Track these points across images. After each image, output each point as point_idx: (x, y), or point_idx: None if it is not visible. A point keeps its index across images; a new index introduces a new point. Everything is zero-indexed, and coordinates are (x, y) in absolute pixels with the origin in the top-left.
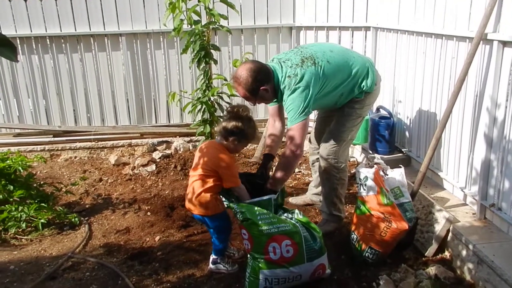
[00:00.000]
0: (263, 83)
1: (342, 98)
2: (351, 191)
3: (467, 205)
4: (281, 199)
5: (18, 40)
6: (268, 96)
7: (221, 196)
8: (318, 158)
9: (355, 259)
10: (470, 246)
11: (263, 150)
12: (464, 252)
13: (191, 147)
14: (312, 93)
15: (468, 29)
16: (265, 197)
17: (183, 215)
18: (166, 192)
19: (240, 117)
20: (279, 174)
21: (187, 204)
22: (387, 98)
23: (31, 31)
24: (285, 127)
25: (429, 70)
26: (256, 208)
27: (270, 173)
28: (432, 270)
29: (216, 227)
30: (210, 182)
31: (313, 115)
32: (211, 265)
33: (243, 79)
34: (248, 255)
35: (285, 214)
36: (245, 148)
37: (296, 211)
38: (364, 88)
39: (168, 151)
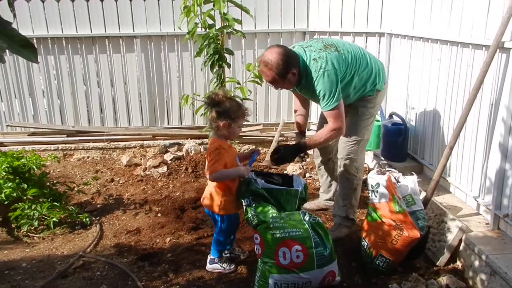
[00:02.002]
0: (292, 67)
1: (353, 92)
2: (361, 197)
3: (480, 214)
4: (305, 194)
5: (35, 41)
6: (294, 81)
7: (241, 200)
8: (323, 160)
9: (365, 267)
10: (483, 257)
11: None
12: (476, 263)
13: (202, 150)
14: (339, 77)
15: (485, 37)
16: (292, 188)
17: (193, 217)
18: (177, 194)
19: (217, 101)
20: (317, 139)
21: (205, 201)
22: (400, 105)
23: (48, 32)
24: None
25: (443, 78)
26: (271, 211)
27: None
28: (443, 280)
29: (225, 227)
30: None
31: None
32: (208, 265)
33: (273, 62)
34: (259, 260)
35: (306, 217)
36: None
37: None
38: (377, 84)
39: (179, 153)
